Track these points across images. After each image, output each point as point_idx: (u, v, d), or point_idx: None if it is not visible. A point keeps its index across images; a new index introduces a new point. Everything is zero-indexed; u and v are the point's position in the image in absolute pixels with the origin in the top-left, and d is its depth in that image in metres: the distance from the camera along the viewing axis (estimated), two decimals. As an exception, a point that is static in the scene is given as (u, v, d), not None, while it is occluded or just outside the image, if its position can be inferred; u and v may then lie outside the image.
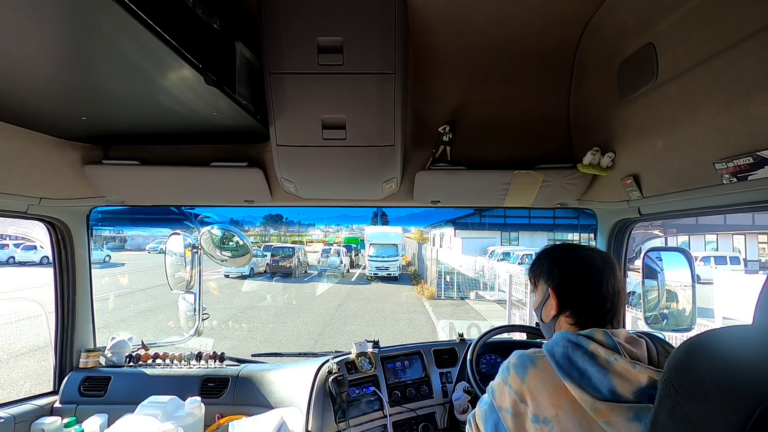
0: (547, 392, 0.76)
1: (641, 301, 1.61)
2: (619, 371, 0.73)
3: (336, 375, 1.59)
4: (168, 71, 0.92)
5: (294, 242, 29.50)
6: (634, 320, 3.97)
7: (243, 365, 1.86)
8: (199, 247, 1.94)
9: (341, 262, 19.74)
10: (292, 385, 1.68)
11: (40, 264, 17.07)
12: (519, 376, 0.80)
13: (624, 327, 0.93)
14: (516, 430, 0.79)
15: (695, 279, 1.50)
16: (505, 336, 1.87)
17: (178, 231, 1.99)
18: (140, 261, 21.04)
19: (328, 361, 1.70)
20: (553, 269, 0.94)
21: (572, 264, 0.92)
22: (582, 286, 0.88)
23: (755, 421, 0.41)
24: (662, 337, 0.90)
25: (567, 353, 0.78)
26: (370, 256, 18.74)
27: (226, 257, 1.98)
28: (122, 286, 13.83)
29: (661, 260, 1.59)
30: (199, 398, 1.55)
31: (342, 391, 1.56)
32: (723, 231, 21.66)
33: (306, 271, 19.63)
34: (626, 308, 1.71)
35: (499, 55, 1.34)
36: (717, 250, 20.66)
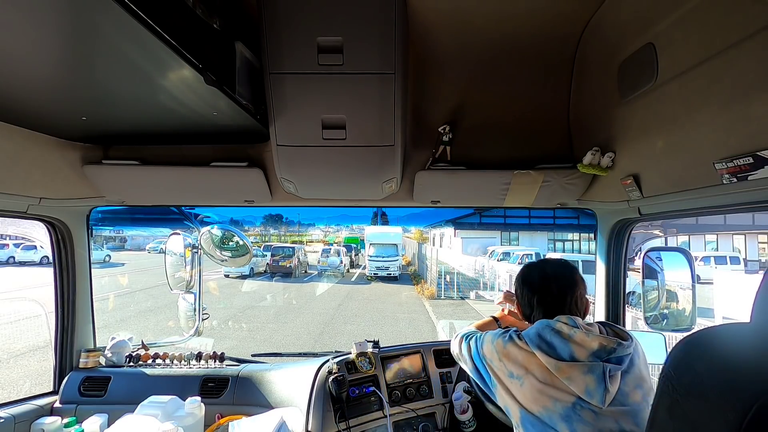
0: (520, 357, 1.00)
1: (641, 301, 1.61)
2: (577, 341, 0.96)
3: (336, 375, 1.59)
4: (168, 71, 0.92)
5: (294, 242, 29.50)
6: (634, 320, 3.96)
7: (243, 365, 1.86)
8: (199, 247, 1.94)
9: (341, 262, 19.72)
10: (292, 385, 1.68)
11: (40, 264, 17.07)
12: (503, 343, 1.05)
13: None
14: (495, 377, 1.05)
15: (695, 279, 1.50)
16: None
17: (178, 231, 1.99)
18: (140, 261, 21.03)
19: (328, 361, 1.70)
20: (515, 286, 1.21)
21: (522, 280, 1.18)
22: (530, 296, 1.14)
23: (752, 418, 0.42)
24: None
25: (538, 332, 1.01)
26: (370, 256, 18.73)
27: (226, 257, 1.98)
28: (122, 286, 13.83)
29: (661, 260, 1.59)
30: (199, 398, 1.55)
31: (342, 391, 1.56)
32: (723, 231, 21.66)
33: (306, 271, 19.62)
34: (626, 308, 1.72)
35: (499, 55, 1.34)
36: (717, 250, 20.66)
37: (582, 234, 21.93)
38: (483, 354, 1.10)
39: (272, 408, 1.63)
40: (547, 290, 1.10)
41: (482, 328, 1.38)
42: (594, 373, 0.91)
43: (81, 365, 1.80)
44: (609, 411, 0.89)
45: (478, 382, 1.17)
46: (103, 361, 1.87)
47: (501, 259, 16.91)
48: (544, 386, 0.94)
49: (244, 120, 1.25)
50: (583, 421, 0.89)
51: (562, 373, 0.92)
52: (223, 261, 1.99)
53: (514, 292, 1.25)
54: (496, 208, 10.41)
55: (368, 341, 1.78)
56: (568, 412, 0.91)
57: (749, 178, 0.84)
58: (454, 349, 1.30)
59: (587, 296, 1.15)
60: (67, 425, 1.52)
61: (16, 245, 18.28)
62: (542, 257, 1.36)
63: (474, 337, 1.18)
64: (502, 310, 1.51)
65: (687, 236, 22.66)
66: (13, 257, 17.97)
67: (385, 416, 1.59)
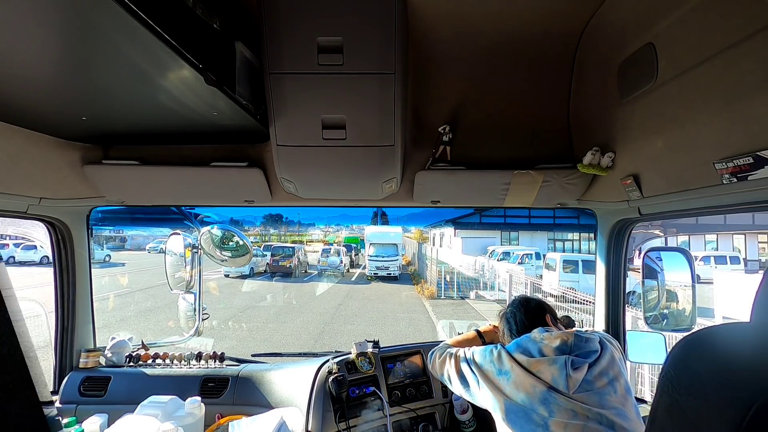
0: (506, 359, 1.20)
1: (641, 301, 1.61)
2: (545, 342, 1.18)
3: (336, 375, 1.59)
4: (168, 71, 0.92)
5: (294, 242, 29.53)
6: (634, 320, 3.96)
7: (243, 365, 1.86)
8: (199, 247, 1.94)
9: (341, 262, 19.71)
10: (292, 385, 1.68)
11: (40, 264, 17.06)
12: (495, 351, 1.25)
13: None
14: (484, 379, 1.23)
15: (695, 279, 1.50)
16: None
17: (178, 231, 1.99)
18: (140, 261, 21.04)
19: (328, 361, 1.70)
20: (501, 320, 1.44)
21: (507, 315, 1.41)
22: (510, 324, 1.37)
23: (752, 417, 0.41)
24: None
25: (517, 342, 1.24)
26: (370, 256, 18.73)
27: (226, 257, 1.98)
28: (122, 286, 13.82)
29: (661, 260, 1.59)
30: (199, 398, 1.55)
31: (342, 391, 1.56)
32: (723, 231, 21.67)
33: (306, 271, 19.63)
34: (626, 308, 1.72)
35: (500, 54, 1.34)
36: (717, 249, 20.67)
37: (582, 234, 21.95)
38: (474, 360, 1.29)
39: (272, 408, 1.63)
40: (524, 316, 1.35)
41: (463, 342, 1.53)
42: (557, 363, 1.11)
43: (81, 365, 1.80)
44: (577, 396, 1.08)
45: (456, 386, 1.33)
46: (103, 361, 1.87)
47: (501, 259, 16.91)
48: (525, 376, 1.13)
49: (244, 120, 1.25)
50: (557, 403, 1.07)
51: (534, 367, 1.14)
52: (223, 261, 1.99)
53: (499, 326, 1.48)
54: (496, 208, 10.41)
55: (368, 341, 1.78)
56: (545, 396, 1.09)
57: (749, 178, 0.84)
58: (437, 359, 1.43)
59: (560, 317, 1.40)
60: (67, 425, 1.52)
61: (16, 245, 18.28)
62: (530, 295, 1.63)
63: (461, 350, 1.38)
64: (490, 325, 1.60)
65: (687, 236, 22.68)
66: (13, 257, 17.95)
67: (385, 416, 1.59)
